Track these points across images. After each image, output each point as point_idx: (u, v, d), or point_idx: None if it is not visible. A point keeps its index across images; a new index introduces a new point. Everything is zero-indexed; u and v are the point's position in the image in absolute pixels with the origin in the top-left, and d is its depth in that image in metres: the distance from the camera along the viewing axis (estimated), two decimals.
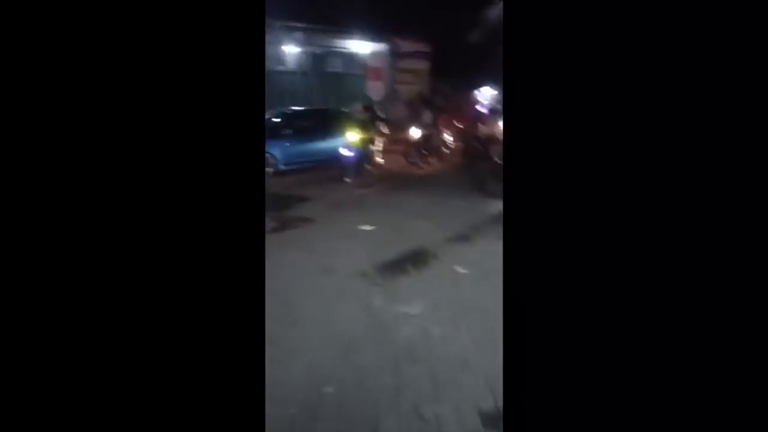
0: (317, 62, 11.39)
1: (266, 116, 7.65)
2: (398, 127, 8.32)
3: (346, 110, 7.61)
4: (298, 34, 10.29)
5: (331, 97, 10.71)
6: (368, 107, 7.45)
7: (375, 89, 12.14)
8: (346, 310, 2.76)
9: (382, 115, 7.51)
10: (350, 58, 11.97)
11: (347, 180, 6.34)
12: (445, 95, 11.88)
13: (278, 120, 7.43)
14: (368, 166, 6.83)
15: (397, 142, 8.25)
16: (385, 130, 7.38)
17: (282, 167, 6.84)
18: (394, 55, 12.16)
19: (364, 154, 6.69)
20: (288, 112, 7.91)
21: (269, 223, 4.37)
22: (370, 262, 3.49)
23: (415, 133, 8.00)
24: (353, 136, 6.53)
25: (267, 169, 6.48)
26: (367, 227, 4.44)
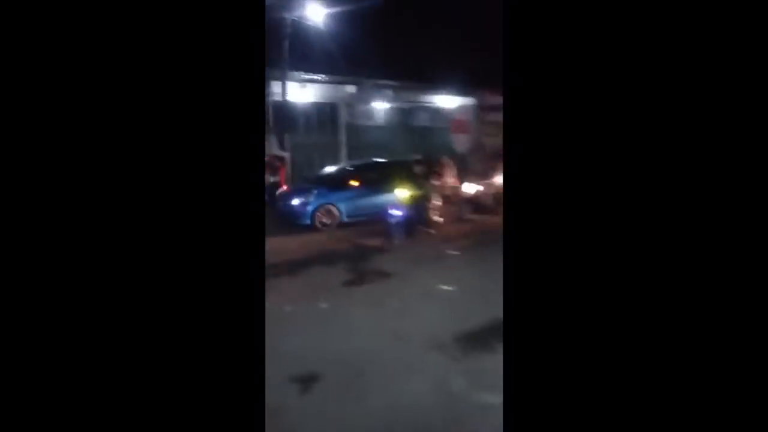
0: (404, 117, 11.76)
1: (333, 169, 7.87)
2: (478, 177, 7.73)
3: (412, 161, 7.13)
4: (388, 91, 10.79)
5: (417, 150, 10.78)
6: (420, 160, 6.70)
7: (459, 141, 12.08)
8: (418, 389, 2.35)
9: (449, 168, 6.67)
10: (437, 112, 12.18)
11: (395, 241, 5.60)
12: None
13: (344, 172, 7.56)
14: (424, 227, 6.02)
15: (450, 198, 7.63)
16: (448, 181, 6.50)
17: (345, 219, 6.81)
18: (480, 108, 12.09)
19: (416, 213, 5.93)
20: (354, 164, 8.03)
21: (343, 276, 4.21)
22: (450, 331, 3.04)
23: (469, 188, 7.21)
24: (403, 192, 5.87)
25: (331, 221, 6.54)
26: (447, 287, 4.02)
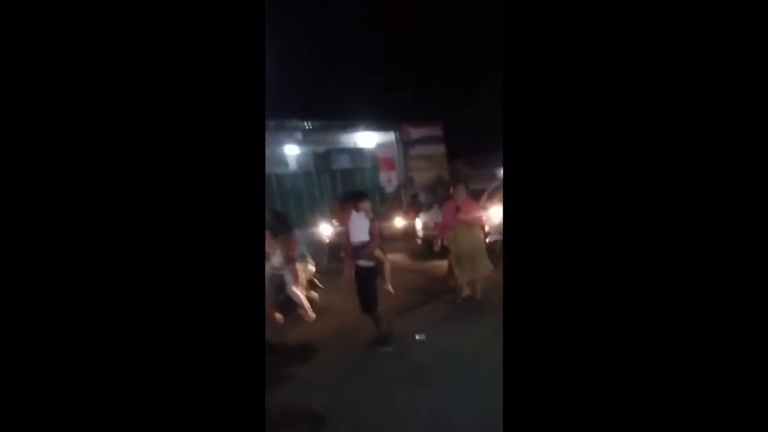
0: (321, 160, 10.44)
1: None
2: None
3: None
4: (298, 135, 9.43)
5: (339, 195, 9.59)
6: (278, 214, 4.92)
7: (388, 180, 10.98)
8: None
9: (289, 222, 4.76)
10: (358, 152, 11.05)
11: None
12: (465, 177, 10.58)
13: None
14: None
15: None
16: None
17: None
18: (405, 142, 11.17)
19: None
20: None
21: None
22: None
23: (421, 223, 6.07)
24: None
25: None
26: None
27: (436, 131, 11.68)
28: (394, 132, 10.86)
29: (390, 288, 3.58)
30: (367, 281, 3.12)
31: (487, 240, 4.51)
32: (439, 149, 11.75)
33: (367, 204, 3.16)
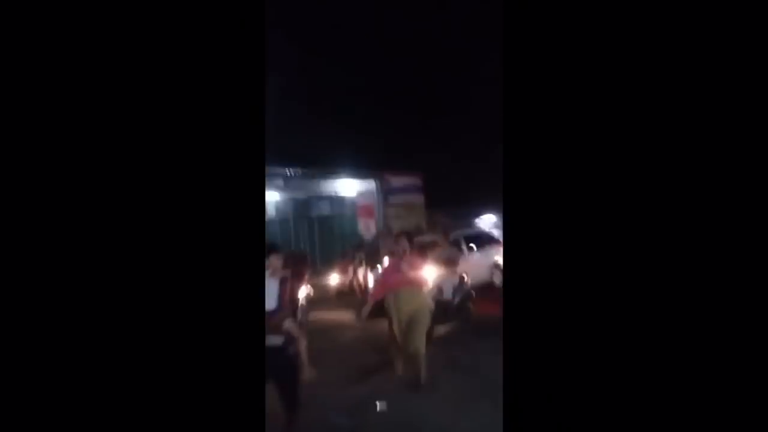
0: (300, 207, 10.42)
1: None
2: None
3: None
4: (278, 181, 9.46)
5: (318, 242, 9.50)
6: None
7: (366, 227, 10.98)
8: None
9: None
10: (338, 199, 11.11)
11: None
12: (444, 227, 10.69)
13: None
14: None
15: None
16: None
17: None
18: (385, 191, 11.32)
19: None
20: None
21: None
22: None
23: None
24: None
25: None
26: None
27: (415, 181, 11.93)
28: (375, 180, 11.03)
29: (308, 375, 2.47)
30: (274, 367, 2.00)
31: (434, 303, 3.32)
32: (418, 199, 11.93)
33: (276, 259, 2.25)
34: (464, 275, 4.85)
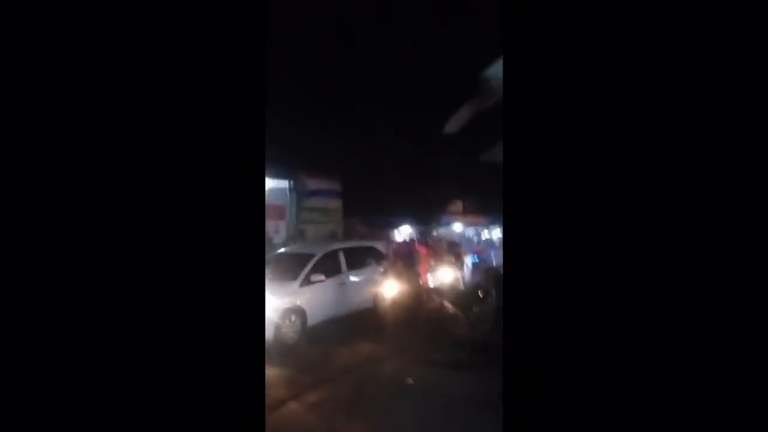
0: None
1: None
2: None
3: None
4: None
5: None
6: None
7: (275, 230, 9.96)
8: None
9: None
10: None
11: None
12: (360, 236, 10.20)
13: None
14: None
15: None
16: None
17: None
18: (301, 193, 10.45)
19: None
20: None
21: None
22: None
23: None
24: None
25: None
26: None
27: (333, 185, 11.28)
28: (288, 180, 10.11)
29: None
30: None
31: None
32: (336, 204, 11.29)
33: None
34: None
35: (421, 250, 5.50)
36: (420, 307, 4.70)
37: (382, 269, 4.82)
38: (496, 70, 3.02)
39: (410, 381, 3.07)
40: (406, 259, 4.85)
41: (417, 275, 4.78)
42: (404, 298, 4.39)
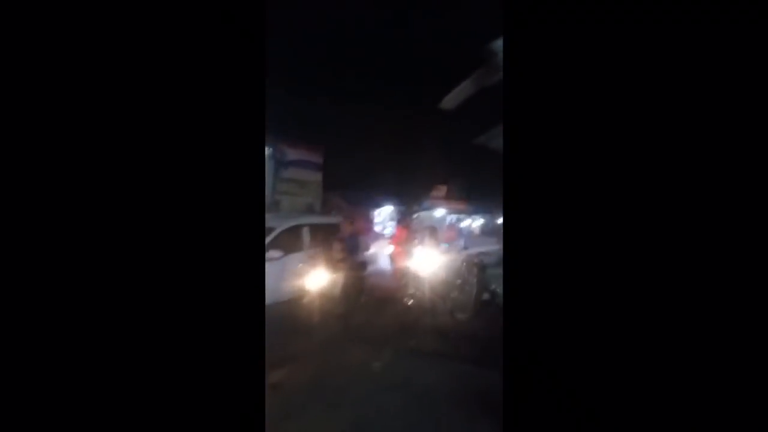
0: None
1: None
2: None
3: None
4: None
5: None
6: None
7: None
8: None
9: None
10: None
11: None
12: (340, 211, 9.84)
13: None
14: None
15: None
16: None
17: None
18: (279, 162, 9.95)
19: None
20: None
21: None
22: None
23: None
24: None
25: None
26: None
27: (315, 157, 10.80)
28: (267, 148, 9.59)
29: None
30: None
31: None
32: (316, 176, 10.85)
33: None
34: None
35: (400, 232, 5.20)
36: (378, 293, 4.42)
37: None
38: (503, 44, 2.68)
39: (376, 365, 2.81)
40: (350, 243, 4.21)
41: (358, 262, 4.20)
42: (355, 283, 4.03)
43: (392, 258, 4.85)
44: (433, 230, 5.38)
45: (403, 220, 6.04)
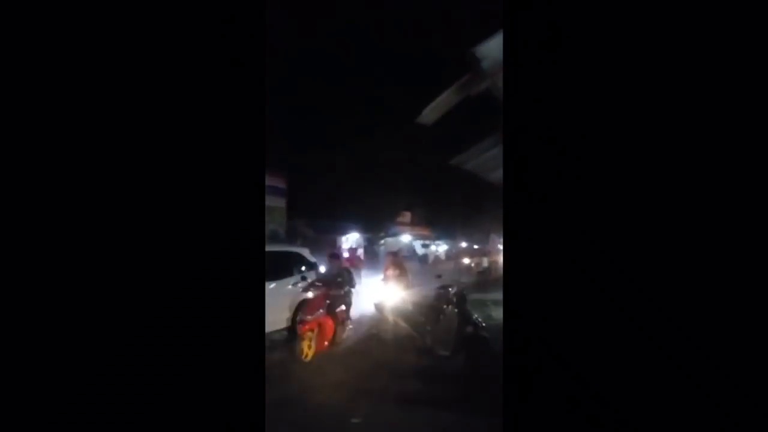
0: None
1: None
2: None
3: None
4: None
5: None
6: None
7: None
8: None
9: None
10: None
11: None
12: (306, 240, 9.43)
13: None
14: None
15: None
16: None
17: None
18: None
19: None
20: None
21: None
22: None
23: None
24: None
25: None
26: None
27: (278, 182, 10.38)
28: None
29: None
30: None
31: None
32: (279, 203, 10.40)
33: None
34: None
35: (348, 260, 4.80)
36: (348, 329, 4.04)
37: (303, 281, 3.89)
38: (489, 49, 2.53)
39: (355, 421, 2.42)
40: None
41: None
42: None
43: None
44: (394, 255, 4.92)
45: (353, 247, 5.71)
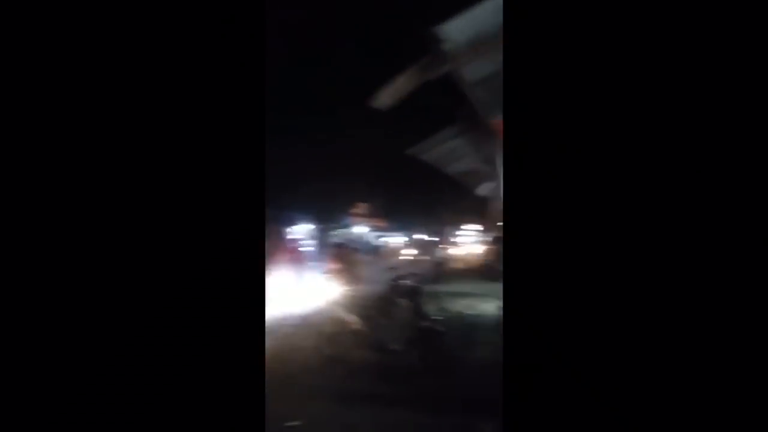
0: None
1: None
2: None
3: None
4: None
5: None
6: None
7: None
8: None
9: None
10: None
11: None
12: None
13: None
14: None
15: None
16: None
17: None
18: None
19: None
20: None
21: None
22: None
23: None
24: None
25: None
26: None
27: None
28: None
29: None
30: None
31: None
32: None
33: None
34: None
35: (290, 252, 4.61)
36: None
37: None
38: (452, 30, 2.40)
39: (294, 423, 2.24)
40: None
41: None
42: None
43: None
44: (341, 247, 4.80)
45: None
